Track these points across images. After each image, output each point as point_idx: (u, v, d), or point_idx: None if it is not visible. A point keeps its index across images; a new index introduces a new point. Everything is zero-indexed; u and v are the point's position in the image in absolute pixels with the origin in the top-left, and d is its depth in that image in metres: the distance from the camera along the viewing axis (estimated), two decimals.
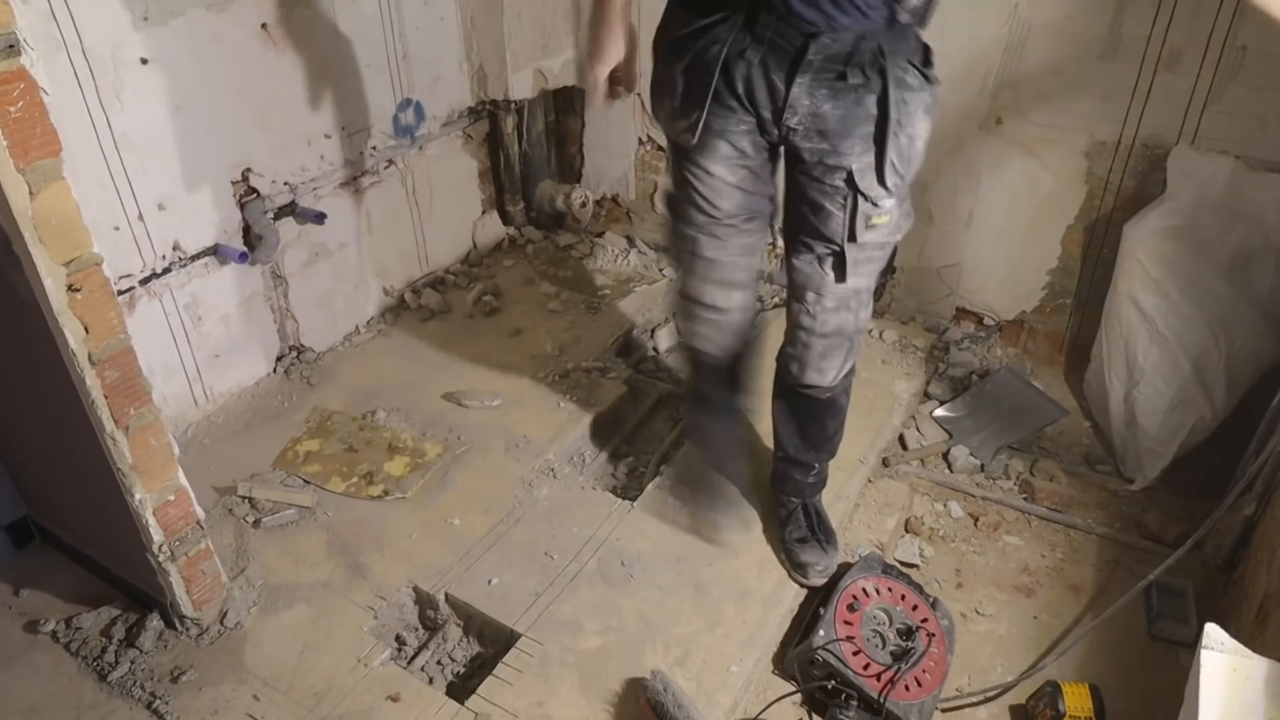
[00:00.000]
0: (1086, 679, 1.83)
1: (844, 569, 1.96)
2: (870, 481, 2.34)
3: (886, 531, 2.20)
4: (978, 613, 2.08)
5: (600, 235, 3.32)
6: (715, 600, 1.95)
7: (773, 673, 1.87)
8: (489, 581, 1.97)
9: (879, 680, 1.76)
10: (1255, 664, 1.23)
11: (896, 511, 2.26)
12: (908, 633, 1.85)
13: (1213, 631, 1.26)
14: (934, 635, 1.83)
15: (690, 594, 1.96)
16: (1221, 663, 1.23)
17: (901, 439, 2.50)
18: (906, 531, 2.28)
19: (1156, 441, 2.32)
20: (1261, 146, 2.22)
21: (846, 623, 1.83)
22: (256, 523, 2.11)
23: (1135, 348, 2.31)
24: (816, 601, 1.93)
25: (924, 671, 1.79)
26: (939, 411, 2.57)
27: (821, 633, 1.79)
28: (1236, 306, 2.19)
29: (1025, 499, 2.36)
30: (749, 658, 1.84)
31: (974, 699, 1.88)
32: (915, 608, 1.89)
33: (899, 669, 1.77)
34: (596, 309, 2.90)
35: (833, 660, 1.77)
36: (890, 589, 1.91)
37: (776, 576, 2.00)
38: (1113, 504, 2.33)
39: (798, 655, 1.83)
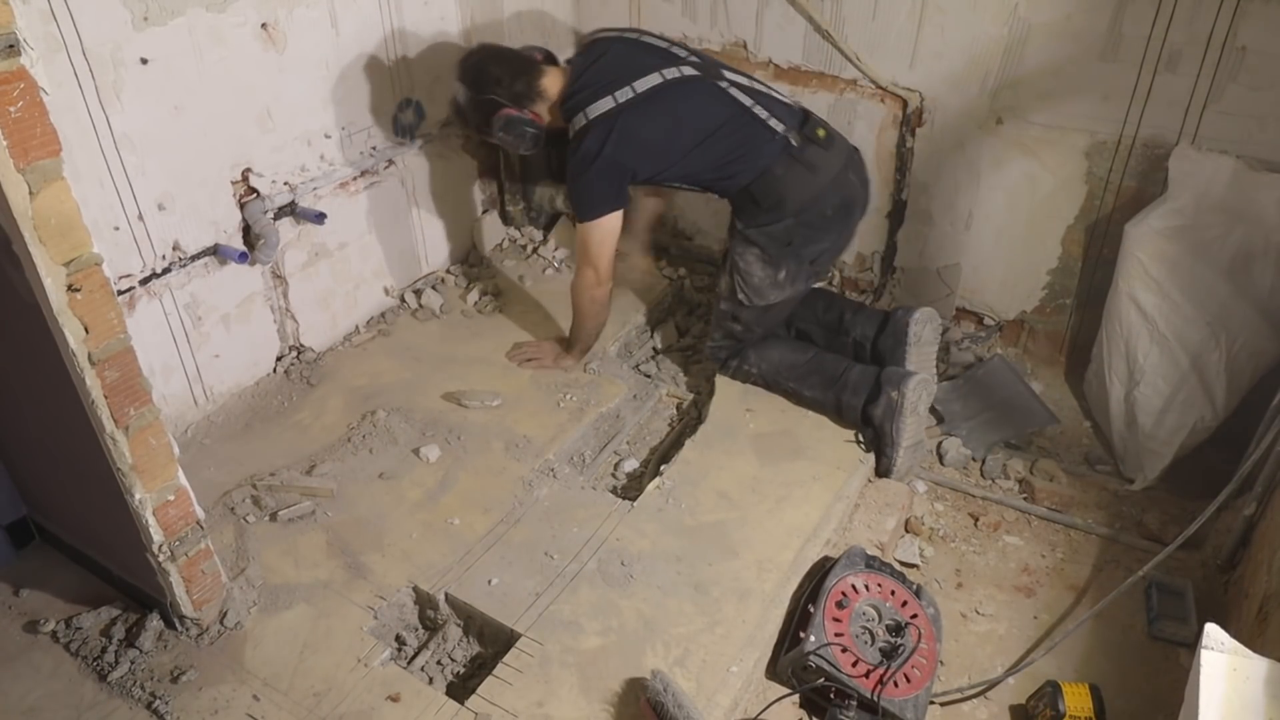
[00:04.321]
0: (1086, 679, 1.83)
1: (830, 566, 1.96)
2: (870, 481, 2.34)
3: (886, 531, 2.19)
4: (978, 613, 2.08)
5: None
6: (715, 600, 1.95)
7: (766, 678, 1.87)
8: (489, 581, 1.97)
9: (869, 679, 1.76)
10: (1255, 664, 1.23)
11: (896, 511, 2.26)
12: (897, 629, 1.85)
13: (1213, 631, 1.26)
14: (923, 631, 1.84)
15: (690, 594, 1.96)
16: (1221, 663, 1.23)
17: None
18: (906, 531, 2.28)
19: (1157, 441, 2.32)
20: (1262, 146, 2.22)
21: (835, 619, 1.83)
22: (273, 516, 2.12)
23: (1135, 348, 2.31)
24: (805, 598, 1.93)
25: (913, 667, 1.79)
26: None
27: (813, 638, 1.79)
28: (1237, 306, 2.19)
29: (1025, 499, 2.36)
30: (749, 658, 1.84)
31: (965, 693, 1.89)
32: (905, 603, 1.89)
33: (889, 666, 1.77)
34: None
35: (825, 665, 1.77)
36: (880, 585, 1.91)
37: (776, 576, 2.00)
38: (1113, 504, 2.33)
39: (790, 661, 1.83)
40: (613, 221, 2.34)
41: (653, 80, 2.27)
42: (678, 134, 2.29)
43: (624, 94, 2.25)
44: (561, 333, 2.72)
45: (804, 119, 2.34)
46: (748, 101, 2.30)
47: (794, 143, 2.28)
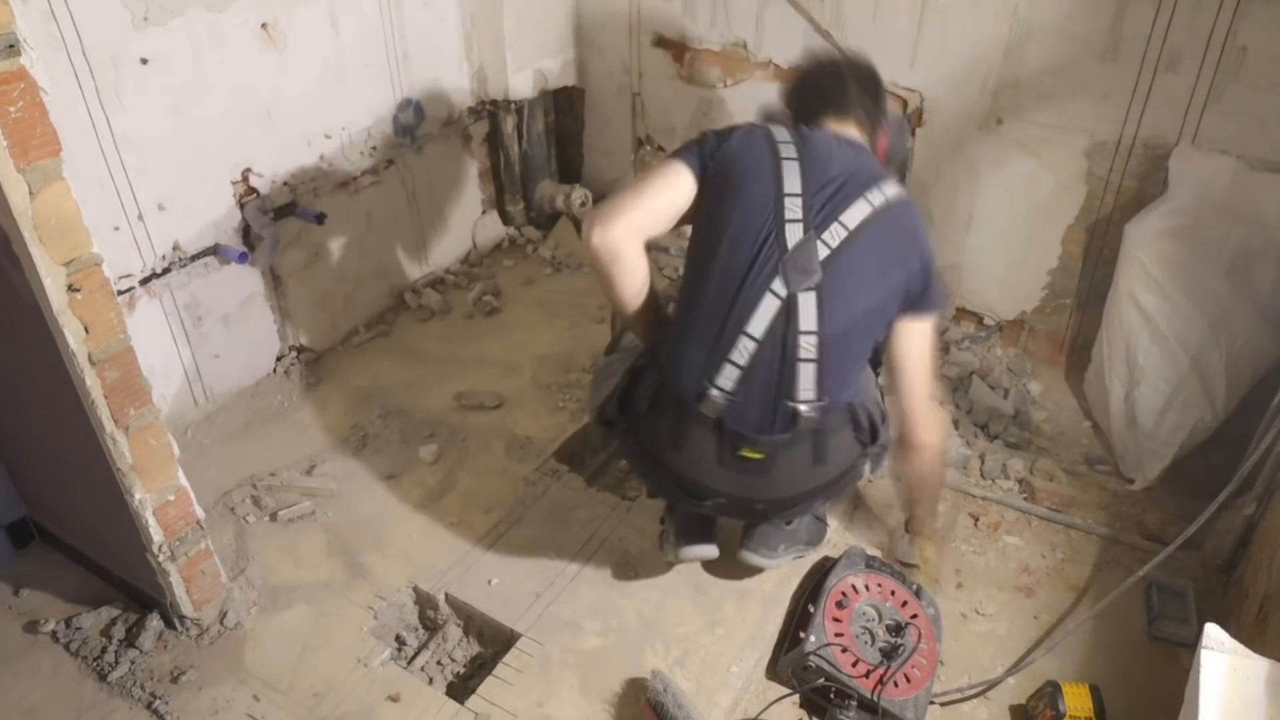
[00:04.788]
0: (1086, 679, 1.83)
1: (830, 565, 1.96)
2: (870, 481, 2.33)
3: (887, 531, 2.19)
4: (978, 613, 2.08)
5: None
6: (715, 600, 1.95)
7: (767, 678, 1.87)
8: (489, 581, 1.97)
9: (869, 679, 1.76)
10: (1255, 664, 1.23)
11: (897, 511, 2.26)
12: (897, 629, 1.85)
13: (1213, 631, 1.26)
14: (923, 631, 1.84)
15: (690, 594, 1.96)
16: (1221, 663, 1.23)
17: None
18: (906, 531, 2.28)
19: (1157, 441, 2.32)
20: (1262, 146, 2.22)
21: (836, 620, 1.83)
22: (273, 516, 2.12)
23: (1136, 348, 2.31)
24: (805, 598, 1.93)
25: (913, 667, 1.79)
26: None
27: (813, 638, 1.79)
28: (1237, 307, 2.19)
29: (1025, 499, 2.35)
30: (749, 658, 1.84)
31: (965, 693, 1.89)
32: (905, 603, 1.89)
33: (889, 666, 1.77)
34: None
35: (825, 665, 1.77)
36: (880, 585, 1.91)
37: (776, 577, 2.00)
38: (1113, 504, 2.32)
39: (790, 661, 1.83)
40: (660, 168, 1.76)
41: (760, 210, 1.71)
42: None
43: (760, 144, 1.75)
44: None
45: (779, 417, 1.63)
46: (771, 315, 1.62)
47: (703, 407, 1.63)
